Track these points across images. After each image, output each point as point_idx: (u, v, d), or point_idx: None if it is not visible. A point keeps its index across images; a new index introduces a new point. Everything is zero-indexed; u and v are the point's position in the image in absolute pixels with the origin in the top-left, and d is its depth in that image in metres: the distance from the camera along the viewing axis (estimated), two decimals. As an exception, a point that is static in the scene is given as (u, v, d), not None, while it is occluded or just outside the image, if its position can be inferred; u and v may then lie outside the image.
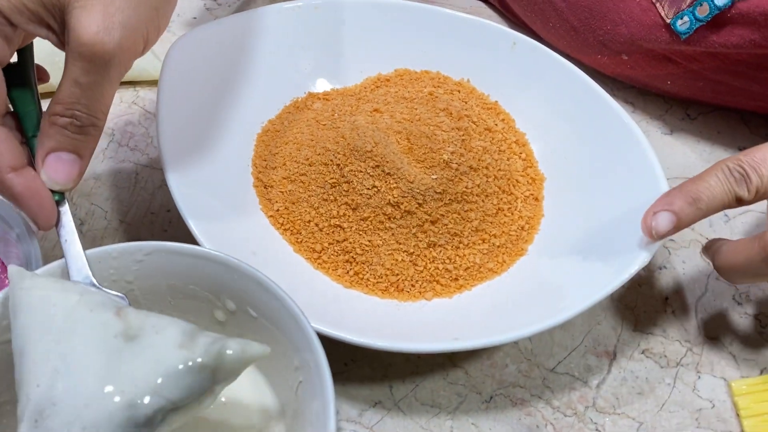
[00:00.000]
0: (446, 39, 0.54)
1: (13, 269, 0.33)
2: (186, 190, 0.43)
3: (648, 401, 0.44)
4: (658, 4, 0.53)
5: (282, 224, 0.46)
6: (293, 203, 0.46)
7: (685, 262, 0.51)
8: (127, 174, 0.52)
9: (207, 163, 0.46)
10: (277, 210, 0.46)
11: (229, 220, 0.44)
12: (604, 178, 0.48)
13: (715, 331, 0.47)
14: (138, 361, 0.31)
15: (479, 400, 0.43)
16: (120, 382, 0.30)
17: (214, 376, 0.31)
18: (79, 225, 0.49)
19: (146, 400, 0.30)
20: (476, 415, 0.43)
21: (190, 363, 0.31)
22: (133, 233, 0.49)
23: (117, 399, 0.30)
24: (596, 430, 0.43)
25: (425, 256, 0.45)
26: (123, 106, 0.56)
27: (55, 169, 0.35)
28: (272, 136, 0.50)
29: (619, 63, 0.58)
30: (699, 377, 0.45)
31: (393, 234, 0.45)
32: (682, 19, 0.51)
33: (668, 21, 0.52)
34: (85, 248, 0.47)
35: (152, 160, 0.53)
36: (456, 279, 0.44)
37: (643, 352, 0.46)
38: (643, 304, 0.48)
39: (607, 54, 0.58)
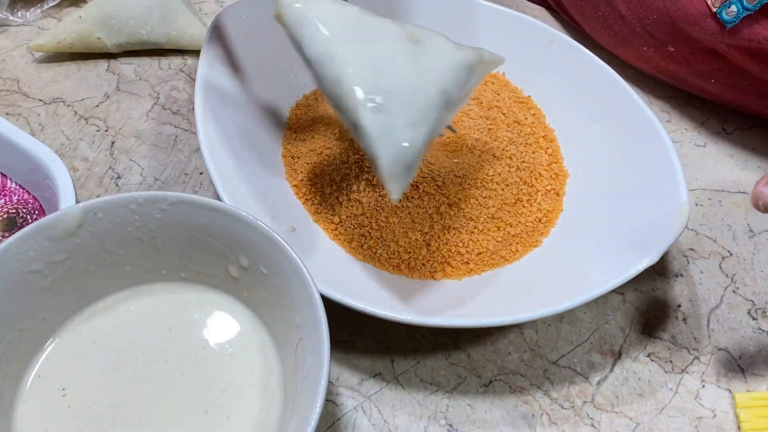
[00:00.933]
0: (484, 31, 0.55)
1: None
2: (216, 151, 0.45)
3: (648, 403, 0.44)
4: None
5: (304, 194, 0.47)
6: (317, 175, 0.48)
7: (703, 272, 0.50)
8: (166, 136, 0.55)
9: (240, 129, 0.48)
10: (301, 180, 0.48)
11: (254, 184, 0.46)
12: (627, 182, 0.48)
13: (726, 343, 0.47)
14: (433, 60, 0.39)
15: (478, 384, 0.44)
16: (430, 74, 0.38)
17: (469, 75, 0.40)
18: (117, 178, 0.52)
19: (451, 87, 0.38)
20: (473, 398, 0.43)
21: (468, 61, 0.40)
22: (165, 191, 0.51)
23: (434, 86, 0.38)
24: (592, 425, 0.43)
25: (439, 237, 0.45)
26: (171, 72, 0.59)
27: None
28: (305, 110, 0.52)
29: (664, 56, 0.58)
30: (703, 386, 0.45)
31: (410, 213, 0.46)
32: (729, 8, 0.51)
33: (714, 10, 0.52)
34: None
35: (192, 125, 0.56)
36: (467, 263, 0.45)
37: (648, 355, 0.46)
38: (654, 309, 0.48)
39: (653, 45, 0.57)
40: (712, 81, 0.57)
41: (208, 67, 0.48)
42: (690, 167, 0.56)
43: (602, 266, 0.42)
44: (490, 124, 0.48)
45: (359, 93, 0.36)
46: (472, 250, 0.45)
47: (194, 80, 0.58)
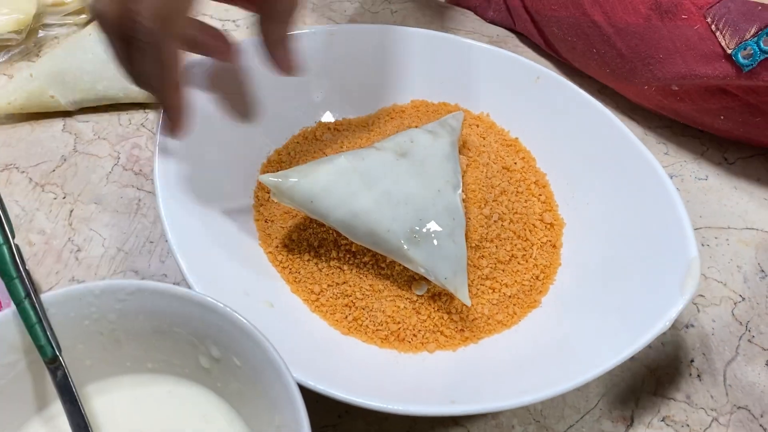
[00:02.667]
0: (466, 70, 0.52)
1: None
2: (180, 220, 0.41)
3: (666, 475, 0.41)
4: (718, 33, 0.50)
5: (281, 261, 0.44)
6: (293, 240, 0.44)
7: (715, 321, 0.47)
8: (129, 200, 0.51)
9: (206, 192, 0.45)
10: (276, 246, 0.44)
11: (224, 255, 0.43)
12: (628, 229, 0.45)
13: (745, 400, 0.44)
14: (429, 164, 0.44)
15: (481, 463, 0.41)
16: (436, 180, 0.43)
17: (453, 149, 0.47)
18: (77, 252, 0.48)
19: (452, 176, 0.44)
20: (476, 480, 0.40)
21: (449, 143, 0.46)
22: (129, 263, 0.48)
23: (446, 187, 0.43)
24: (607, 503, 0.40)
25: (429, 304, 0.42)
26: (132, 128, 0.55)
27: None
28: (278, 168, 0.49)
29: (668, 94, 0.55)
30: (724, 451, 0.42)
31: (395, 279, 0.42)
32: (745, 50, 0.48)
33: (729, 52, 0.49)
34: (79, 276, 0.46)
35: (156, 186, 0.52)
36: (461, 330, 0.42)
37: (663, 420, 0.43)
38: (666, 365, 0.45)
39: (655, 84, 0.55)
40: (721, 118, 0.54)
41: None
42: (692, 203, 0.53)
43: (610, 333, 0.39)
44: (479, 175, 0.45)
45: (395, 236, 0.41)
46: (466, 315, 0.42)
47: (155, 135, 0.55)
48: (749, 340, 0.46)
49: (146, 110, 0.57)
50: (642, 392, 0.44)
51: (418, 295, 0.42)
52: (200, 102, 0.47)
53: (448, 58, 0.53)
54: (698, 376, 0.45)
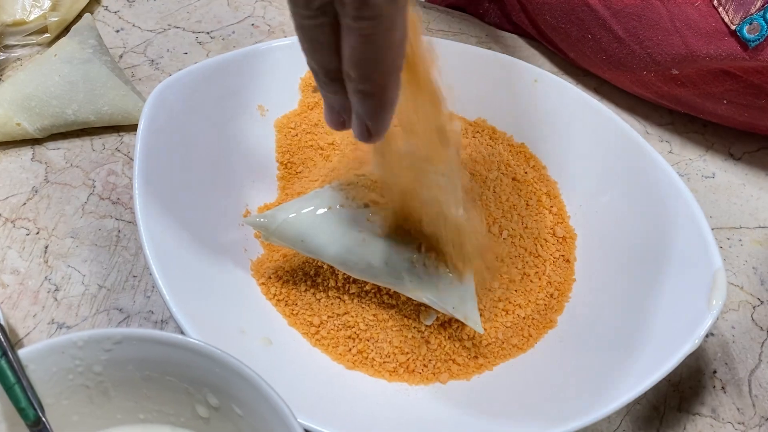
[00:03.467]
0: (458, 74, 0.50)
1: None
2: (164, 252, 0.39)
3: (698, 497, 0.39)
4: (720, 9, 0.47)
5: (275, 294, 0.41)
6: (287, 271, 0.41)
7: (735, 327, 0.45)
8: (108, 232, 0.48)
9: (192, 220, 0.42)
10: (269, 277, 0.42)
11: (215, 291, 0.40)
12: (644, 239, 0.43)
13: (773, 411, 0.42)
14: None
15: (503, 498, 0.38)
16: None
17: None
18: (54, 291, 0.45)
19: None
20: None
21: None
22: (112, 300, 0.45)
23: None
24: None
25: (439, 332, 0.40)
26: (106, 153, 0.52)
27: None
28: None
29: (667, 80, 0.52)
30: (756, 467, 0.40)
31: (400, 308, 0.40)
32: (750, 24, 0.46)
33: (733, 27, 0.47)
34: (59, 317, 0.43)
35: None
36: (475, 357, 0.40)
37: (690, 437, 0.41)
38: (688, 378, 0.43)
39: (654, 69, 0.52)
40: (724, 102, 0.52)
41: (149, 150, 0.42)
42: (701, 203, 0.51)
43: (636, 355, 0.36)
44: (487, 192, 0.43)
45: (394, 269, 0.38)
46: (480, 342, 0.40)
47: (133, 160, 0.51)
48: (772, 346, 0.44)
49: (120, 133, 0.53)
50: (666, 409, 0.42)
51: (426, 325, 0.40)
52: (182, 121, 0.45)
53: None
54: (722, 387, 0.43)
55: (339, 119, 0.32)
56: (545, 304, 0.42)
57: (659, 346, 0.36)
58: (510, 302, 0.41)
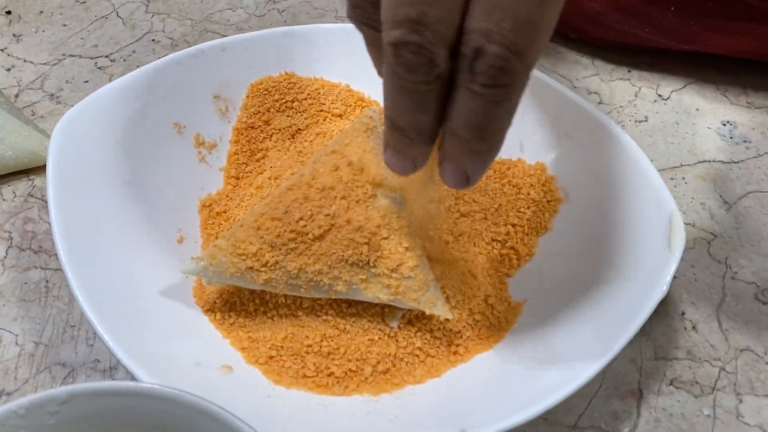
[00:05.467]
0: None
1: None
2: (99, 295, 0.36)
3: (690, 441, 0.38)
4: None
5: (224, 320, 0.39)
6: (233, 292, 0.40)
7: (694, 266, 0.45)
8: (35, 284, 0.45)
9: (124, 258, 0.40)
10: (215, 302, 0.40)
11: (161, 326, 0.38)
12: (594, 193, 0.42)
13: (746, 342, 0.42)
14: None
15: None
16: None
17: None
18: (-14, 358, 0.41)
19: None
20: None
21: None
22: (52, 356, 0.42)
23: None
24: (639, 488, 0.37)
25: (408, 329, 0.39)
26: (18, 201, 0.49)
27: None
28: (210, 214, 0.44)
29: None
30: (740, 401, 0.40)
31: (361, 316, 0.38)
32: None
33: None
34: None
35: (63, 261, 0.46)
36: (448, 345, 0.38)
37: (671, 383, 0.41)
38: (658, 325, 0.43)
39: None
40: (672, 9, 0.51)
41: (63, 188, 0.40)
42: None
43: (610, 313, 0.36)
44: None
45: (342, 281, 0.37)
46: (450, 329, 0.38)
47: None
48: (733, 278, 0.45)
49: (30, 176, 0.50)
50: (643, 360, 0.41)
51: (392, 327, 0.38)
52: (93, 152, 0.42)
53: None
54: (693, 327, 0.43)
55: (412, 165, 0.30)
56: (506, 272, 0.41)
57: (630, 300, 0.36)
58: (473, 284, 0.40)
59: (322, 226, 0.37)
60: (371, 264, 0.37)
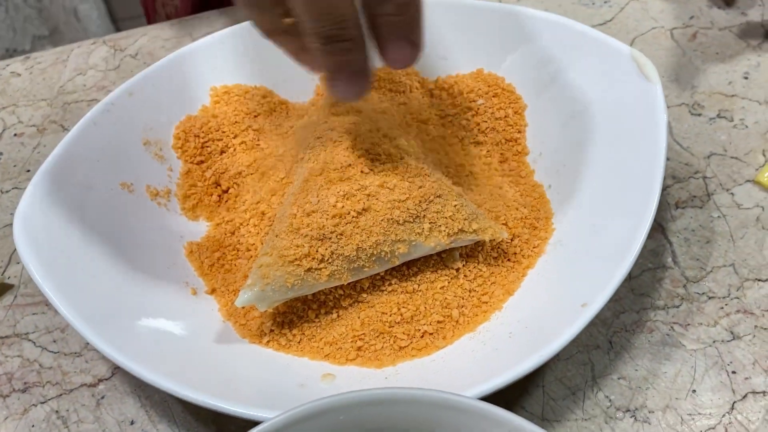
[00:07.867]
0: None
1: None
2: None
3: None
4: None
5: (283, 343, 0.38)
6: (276, 313, 0.38)
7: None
8: (44, 420, 0.38)
9: (139, 313, 0.37)
10: (261, 330, 0.38)
11: (245, 370, 0.35)
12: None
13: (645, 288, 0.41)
14: None
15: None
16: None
17: None
18: None
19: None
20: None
21: None
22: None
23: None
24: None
25: (464, 276, 0.39)
26: None
27: None
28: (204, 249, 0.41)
29: None
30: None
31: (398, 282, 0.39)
32: None
33: None
34: None
35: (65, 391, 0.40)
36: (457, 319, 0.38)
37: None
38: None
39: None
40: None
41: (51, 278, 0.36)
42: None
43: (614, 211, 0.38)
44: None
45: (400, 245, 0.37)
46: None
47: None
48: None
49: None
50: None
51: (456, 268, 0.39)
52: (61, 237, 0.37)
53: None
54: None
55: (363, 80, 0.32)
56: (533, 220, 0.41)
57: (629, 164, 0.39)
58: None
59: (360, 200, 0.36)
60: (421, 216, 0.36)
